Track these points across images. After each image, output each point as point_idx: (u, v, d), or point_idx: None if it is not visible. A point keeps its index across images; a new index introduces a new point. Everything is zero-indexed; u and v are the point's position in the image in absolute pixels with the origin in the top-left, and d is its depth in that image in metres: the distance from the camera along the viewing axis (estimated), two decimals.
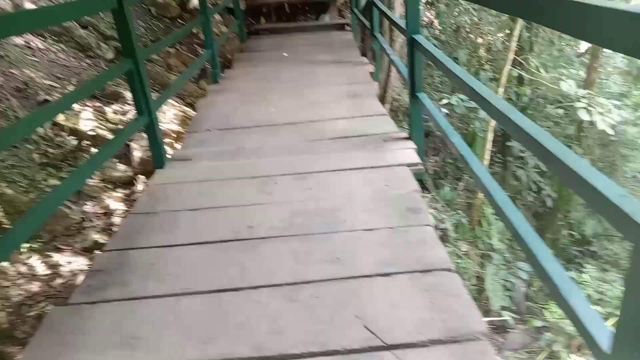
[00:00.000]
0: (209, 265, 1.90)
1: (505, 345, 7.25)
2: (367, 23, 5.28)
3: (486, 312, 7.38)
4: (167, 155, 3.50)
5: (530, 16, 1.28)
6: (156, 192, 2.53)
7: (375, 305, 1.63)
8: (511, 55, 6.22)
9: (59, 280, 3.41)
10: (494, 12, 7.87)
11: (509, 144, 8.50)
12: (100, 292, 1.78)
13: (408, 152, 2.78)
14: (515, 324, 7.42)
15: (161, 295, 1.75)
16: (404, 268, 1.79)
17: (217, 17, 6.58)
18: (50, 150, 4.15)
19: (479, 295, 7.50)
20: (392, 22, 3.71)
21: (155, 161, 2.86)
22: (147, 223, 2.24)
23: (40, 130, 4.13)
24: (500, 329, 7.46)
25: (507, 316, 7.30)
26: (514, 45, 6.13)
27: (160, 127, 4.58)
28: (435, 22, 10.16)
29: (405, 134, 3.03)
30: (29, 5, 5.18)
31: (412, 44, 2.67)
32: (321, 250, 1.94)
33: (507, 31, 8.47)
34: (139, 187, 4.33)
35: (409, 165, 2.63)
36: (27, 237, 1.73)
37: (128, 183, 4.40)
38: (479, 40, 10.58)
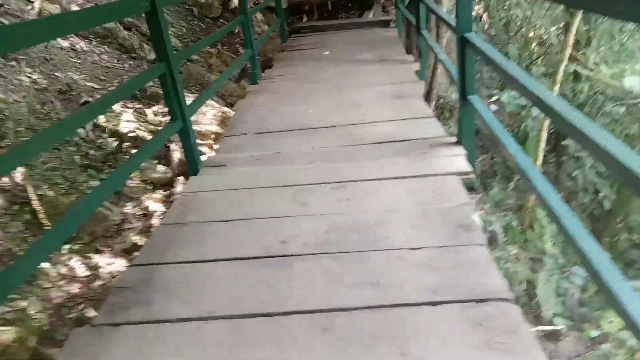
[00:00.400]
0: (238, 286, 1.76)
1: (557, 354, 6.86)
2: (412, 19, 5.02)
3: (537, 318, 7.00)
4: (203, 158, 3.41)
5: (594, 7, 1.13)
6: (188, 201, 2.42)
7: (419, 340, 1.43)
8: (568, 51, 5.78)
9: (98, 282, 3.42)
10: (547, 4, 7.41)
11: (564, 143, 8.03)
12: (124, 312, 1.68)
13: (457, 159, 2.54)
14: (567, 331, 7.03)
15: (185, 319, 1.62)
16: (454, 296, 1.58)
17: (259, 16, 6.50)
18: (92, 152, 4.17)
19: (530, 301, 7.13)
20: (441, 19, 3.44)
21: (189, 168, 2.75)
22: (177, 235, 2.12)
23: (81, 132, 4.16)
24: (551, 336, 7.08)
25: (559, 324, 6.90)
26: (571, 40, 5.69)
27: (197, 129, 4.54)
28: (484, 16, 9.77)
29: (453, 139, 2.79)
30: (77, 9, 5.26)
31: (463, 43, 2.43)
32: (359, 271, 1.76)
33: (562, 24, 7.97)
34: (178, 188, 4.30)
35: (458, 174, 2.39)
36: (66, 238, 1.74)
37: (168, 184, 4.38)
38: (531, 34, 10.10)
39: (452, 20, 2.82)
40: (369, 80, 4.25)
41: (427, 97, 6.54)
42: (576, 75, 7.76)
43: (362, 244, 1.91)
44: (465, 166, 2.46)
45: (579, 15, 5.89)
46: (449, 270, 1.70)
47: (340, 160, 2.73)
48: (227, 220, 2.20)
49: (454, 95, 8.54)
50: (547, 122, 6.52)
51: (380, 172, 2.49)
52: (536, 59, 9.48)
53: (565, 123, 1.36)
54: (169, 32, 5.88)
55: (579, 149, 7.75)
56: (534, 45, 10.08)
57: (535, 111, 7.39)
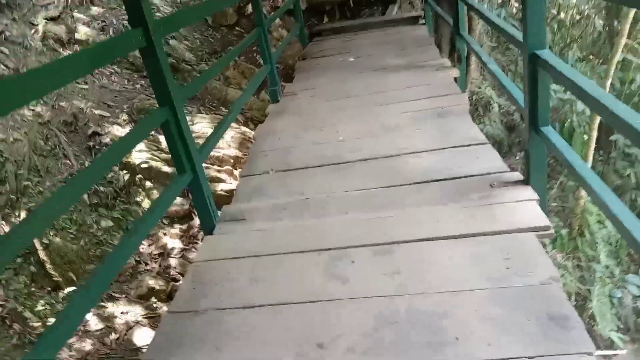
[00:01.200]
0: None
1: None
2: (447, 18, 4.45)
3: (588, 332, 6.48)
4: (222, 187, 3.00)
5: None
6: (201, 275, 2.00)
7: None
8: (623, 40, 5.14)
9: (113, 336, 3.11)
10: None
11: (612, 138, 7.39)
12: None
13: (528, 207, 2.02)
14: (624, 345, 6.53)
15: None
16: None
17: (277, 20, 6.05)
18: (101, 188, 3.84)
19: (580, 313, 6.60)
20: (497, 29, 2.78)
21: (203, 226, 2.33)
22: (188, 330, 1.71)
23: None
24: (605, 349, 6.57)
25: (616, 340, 6.40)
26: (626, 28, 5.05)
27: (214, 154, 4.14)
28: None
29: (517, 175, 2.29)
30: (84, 29, 4.92)
31: (534, 62, 1.91)
32: None
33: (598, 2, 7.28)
34: (197, 221, 3.95)
35: (534, 230, 1.89)
36: (94, 303, 1.60)
37: (186, 217, 4.03)
38: (561, 15, 9.45)
39: (514, 31, 2.30)
40: (401, 93, 3.73)
41: None
42: (624, 63, 7.07)
43: (425, 351, 1.45)
44: (541, 217, 1.95)
45: None
46: None
47: (381, 207, 2.26)
48: (247, 307, 1.77)
49: (488, 90, 7.94)
50: (597, 120, 5.89)
51: (433, 227, 2.01)
52: (570, 43, 8.81)
53: None
54: (182, 46, 5.51)
55: (628, 144, 7.14)
56: (566, 28, 9.40)
57: (579, 106, 6.80)
